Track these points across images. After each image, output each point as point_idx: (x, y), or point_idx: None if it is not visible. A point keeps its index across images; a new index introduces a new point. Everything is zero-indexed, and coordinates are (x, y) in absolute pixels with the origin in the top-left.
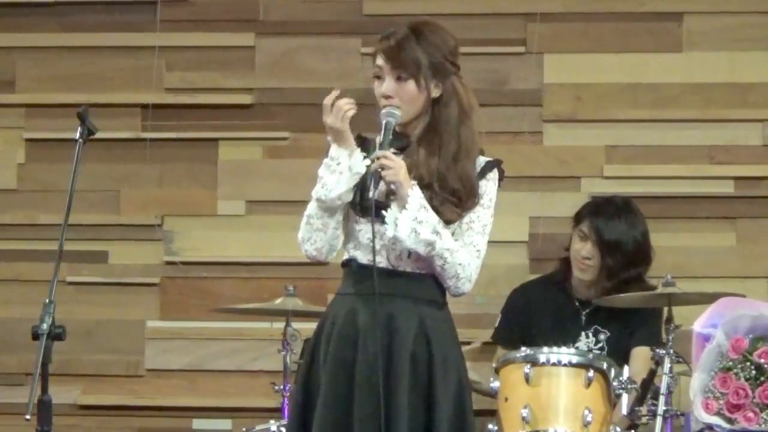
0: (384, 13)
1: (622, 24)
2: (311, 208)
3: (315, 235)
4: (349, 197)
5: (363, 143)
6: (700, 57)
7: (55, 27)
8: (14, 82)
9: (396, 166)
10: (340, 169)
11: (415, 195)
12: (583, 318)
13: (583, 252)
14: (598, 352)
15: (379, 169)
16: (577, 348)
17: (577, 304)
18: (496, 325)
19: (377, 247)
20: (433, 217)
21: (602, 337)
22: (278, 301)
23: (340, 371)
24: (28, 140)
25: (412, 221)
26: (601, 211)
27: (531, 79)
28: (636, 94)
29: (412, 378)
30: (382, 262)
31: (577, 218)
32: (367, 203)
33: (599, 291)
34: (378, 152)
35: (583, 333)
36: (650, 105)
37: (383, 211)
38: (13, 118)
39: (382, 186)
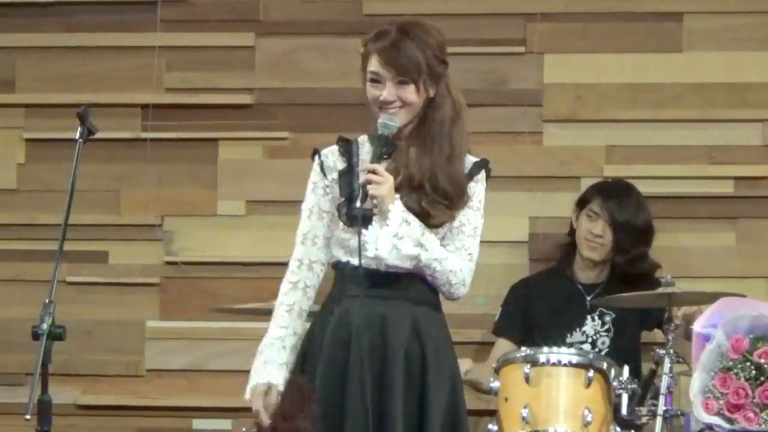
0: (384, 13)
1: (622, 24)
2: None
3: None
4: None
5: (346, 145)
6: (700, 57)
7: (55, 27)
8: (14, 82)
9: (383, 180)
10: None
11: (396, 210)
12: (588, 301)
13: (595, 230)
14: (602, 346)
15: (366, 183)
16: (584, 332)
17: (581, 287)
18: (496, 318)
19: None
20: (415, 230)
21: (608, 318)
22: None
23: (333, 373)
24: (28, 140)
25: (392, 238)
26: (610, 191)
27: (531, 79)
28: (636, 94)
29: (405, 377)
30: (375, 263)
31: (584, 201)
32: (353, 213)
33: (606, 271)
34: (369, 165)
35: (588, 316)
36: (650, 105)
37: (372, 223)
38: (13, 118)
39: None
